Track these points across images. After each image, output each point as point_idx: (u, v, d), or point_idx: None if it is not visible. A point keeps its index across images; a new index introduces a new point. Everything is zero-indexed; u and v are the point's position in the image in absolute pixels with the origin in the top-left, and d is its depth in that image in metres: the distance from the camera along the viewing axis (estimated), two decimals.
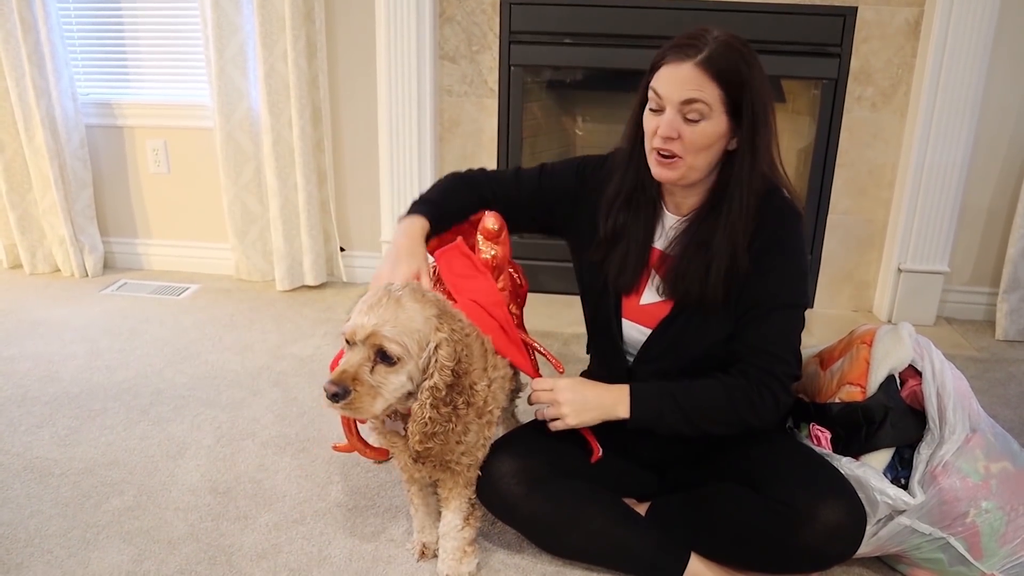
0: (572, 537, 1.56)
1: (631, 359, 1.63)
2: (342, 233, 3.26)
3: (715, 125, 1.42)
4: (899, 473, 1.53)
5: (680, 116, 1.42)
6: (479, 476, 1.54)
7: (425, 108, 2.93)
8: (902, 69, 2.79)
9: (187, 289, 3.22)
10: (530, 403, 1.56)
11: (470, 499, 1.55)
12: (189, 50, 3.21)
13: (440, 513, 1.60)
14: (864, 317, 3.04)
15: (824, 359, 1.74)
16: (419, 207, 1.66)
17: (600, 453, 1.57)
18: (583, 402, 1.51)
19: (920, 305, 2.95)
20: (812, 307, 3.07)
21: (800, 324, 1.54)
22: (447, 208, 1.69)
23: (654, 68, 1.46)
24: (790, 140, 3.08)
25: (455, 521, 1.55)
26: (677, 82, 1.41)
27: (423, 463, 1.48)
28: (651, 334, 1.59)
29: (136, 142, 3.31)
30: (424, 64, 2.87)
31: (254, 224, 3.23)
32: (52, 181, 3.17)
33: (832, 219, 2.98)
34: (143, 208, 3.41)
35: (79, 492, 1.83)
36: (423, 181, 2.97)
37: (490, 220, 1.68)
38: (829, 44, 2.79)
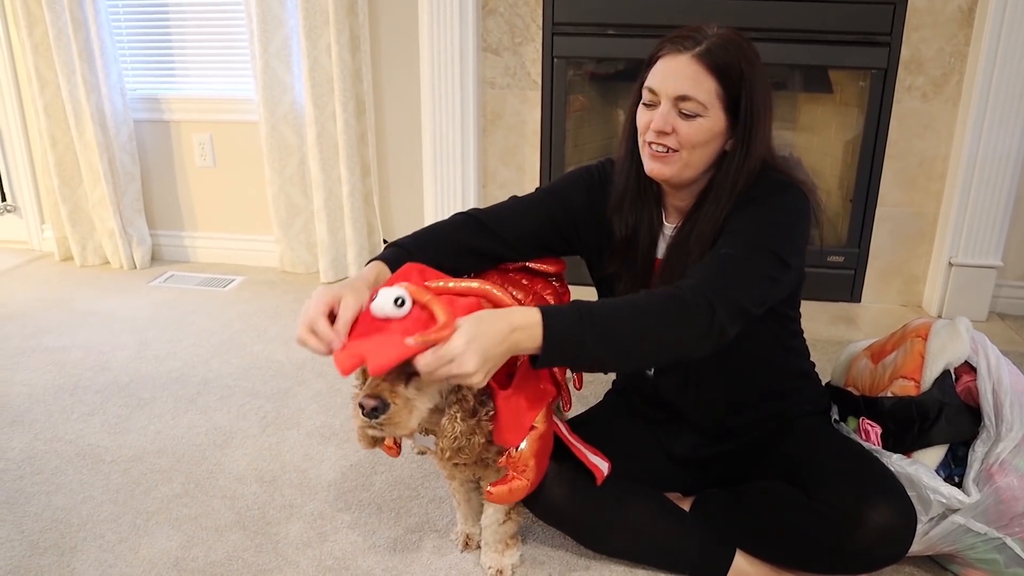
0: (615, 537, 1.55)
1: (652, 370, 1.61)
2: (385, 225, 3.28)
3: (712, 122, 1.37)
4: (952, 471, 1.50)
5: (675, 110, 1.37)
6: None
7: (468, 100, 2.93)
8: (955, 58, 2.72)
9: (233, 281, 3.26)
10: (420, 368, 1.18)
11: None
12: (234, 45, 3.25)
13: (483, 505, 1.60)
14: (913, 312, 2.98)
15: (875, 352, 1.70)
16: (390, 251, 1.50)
17: (605, 472, 1.49)
18: (483, 354, 1.16)
19: (972, 300, 2.88)
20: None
21: (766, 271, 1.34)
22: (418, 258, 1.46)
23: (650, 64, 1.40)
24: (836, 132, 3.02)
25: (497, 515, 1.55)
26: (673, 75, 1.36)
27: (462, 467, 1.48)
28: None
29: (183, 136, 3.36)
30: (467, 56, 2.87)
31: (298, 216, 3.26)
32: (102, 175, 3.23)
33: (881, 212, 2.92)
34: (190, 201, 3.47)
35: (129, 479, 1.87)
36: (466, 173, 2.98)
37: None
38: (878, 33, 2.73)
